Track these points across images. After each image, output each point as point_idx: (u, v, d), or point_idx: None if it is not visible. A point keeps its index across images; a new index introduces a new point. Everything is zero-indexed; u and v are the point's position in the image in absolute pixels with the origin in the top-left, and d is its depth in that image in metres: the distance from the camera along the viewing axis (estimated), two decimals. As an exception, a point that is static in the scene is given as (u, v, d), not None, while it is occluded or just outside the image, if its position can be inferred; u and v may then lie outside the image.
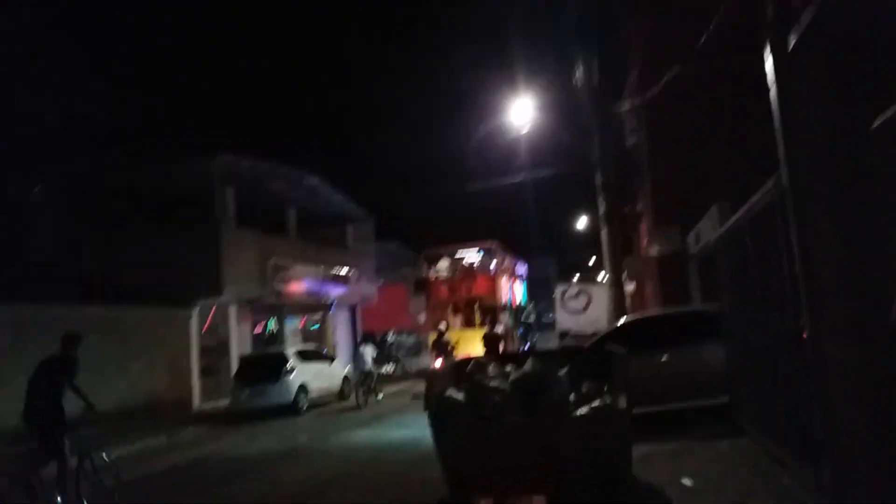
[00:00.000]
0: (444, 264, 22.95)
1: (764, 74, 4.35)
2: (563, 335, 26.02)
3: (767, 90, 4.34)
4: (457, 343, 18.51)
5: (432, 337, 18.49)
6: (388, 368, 23.12)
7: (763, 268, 5.46)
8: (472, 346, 17.97)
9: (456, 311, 22.26)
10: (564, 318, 26.52)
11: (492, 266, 23.10)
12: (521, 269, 28.88)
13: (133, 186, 18.91)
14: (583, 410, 5.22)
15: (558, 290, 27.44)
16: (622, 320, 9.68)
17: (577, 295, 26.48)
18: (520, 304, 27.36)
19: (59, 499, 6.73)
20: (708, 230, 8.72)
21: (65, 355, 7.16)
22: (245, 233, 19.29)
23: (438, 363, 16.22)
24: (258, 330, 21.99)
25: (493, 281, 22.37)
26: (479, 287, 22.10)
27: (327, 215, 25.65)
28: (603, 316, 26.68)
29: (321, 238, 24.86)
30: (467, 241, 23.70)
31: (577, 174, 23.83)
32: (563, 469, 4.97)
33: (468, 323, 21.67)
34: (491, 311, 21.53)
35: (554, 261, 59.10)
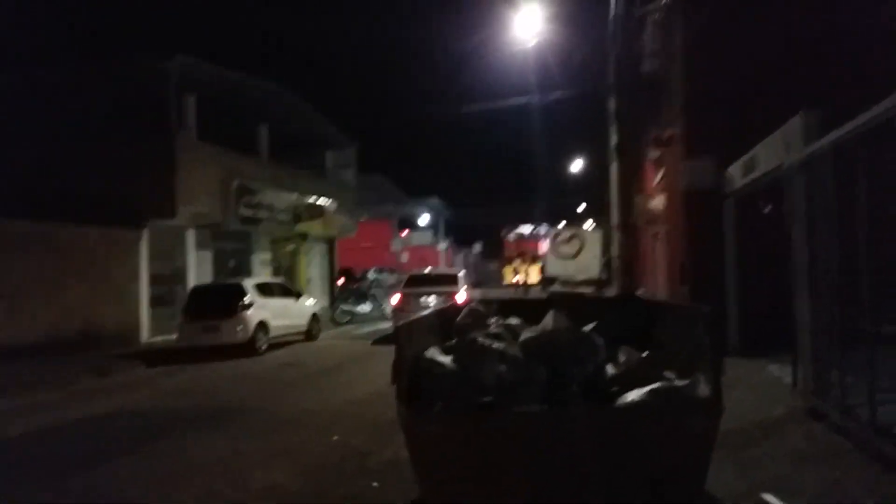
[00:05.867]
0: (512, 233, 39.82)
1: None
2: (551, 281, 25.10)
3: None
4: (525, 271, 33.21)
5: (509, 270, 36.04)
6: (365, 308, 21.43)
7: None
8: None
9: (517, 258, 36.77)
10: (554, 264, 25.52)
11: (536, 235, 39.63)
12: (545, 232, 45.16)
13: (79, 89, 16.42)
14: (633, 396, 3.38)
15: (549, 233, 26.50)
16: None
17: (570, 239, 25.17)
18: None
19: None
20: (774, 153, 6.75)
21: None
22: (206, 147, 16.96)
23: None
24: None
25: (536, 244, 37.96)
26: (529, 246, 37.67)
27: (305, 139, 23.29)
28: (595, 263, 25.37)
29: (297, 163, 22.55)
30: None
31: (580, 102, 21.99)
32: (600, 487, 3.17)
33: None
34: (534, 259, 35.33)
35: (541, 205, 57.30)
